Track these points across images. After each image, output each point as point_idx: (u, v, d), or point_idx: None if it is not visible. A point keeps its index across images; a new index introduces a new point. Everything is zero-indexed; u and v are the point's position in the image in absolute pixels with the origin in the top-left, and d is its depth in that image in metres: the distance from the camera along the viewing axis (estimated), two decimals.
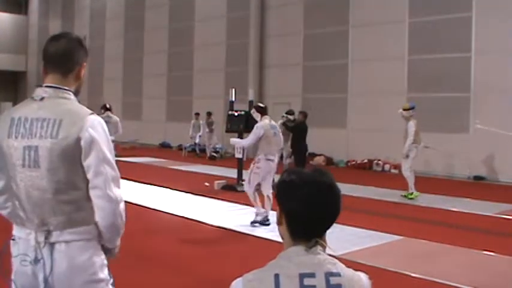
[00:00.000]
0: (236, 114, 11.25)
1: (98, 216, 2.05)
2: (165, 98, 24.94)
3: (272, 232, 6.54)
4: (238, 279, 1.48)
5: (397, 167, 15.40)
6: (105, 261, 2.15)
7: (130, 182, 11.40)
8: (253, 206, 7.49)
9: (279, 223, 1.56)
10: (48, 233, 2.02)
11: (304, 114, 12.36)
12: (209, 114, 19.24)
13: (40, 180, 2.00)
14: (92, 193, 2.03)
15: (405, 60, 15.77)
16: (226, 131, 11.37)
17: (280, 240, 1.60)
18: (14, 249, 2.10)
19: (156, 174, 13.54)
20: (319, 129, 16.96)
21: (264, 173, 7.34)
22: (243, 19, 20.52)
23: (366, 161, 16.23)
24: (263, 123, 7.41)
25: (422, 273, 5.25)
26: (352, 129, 17.08)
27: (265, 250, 5.78)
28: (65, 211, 2.02)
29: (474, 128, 13.73)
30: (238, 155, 10.50)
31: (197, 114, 19.83)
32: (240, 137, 11.25)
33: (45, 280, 2.01)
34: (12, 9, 37.99)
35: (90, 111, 2.08)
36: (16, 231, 2.12)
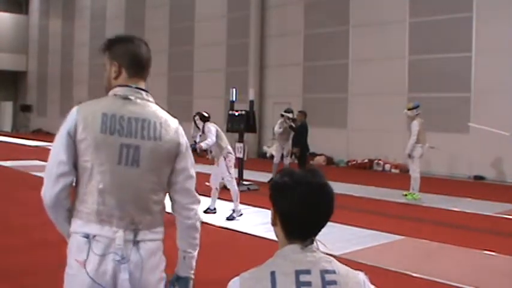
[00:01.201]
0: (237, 114, 11.25)
1: (184, 217, 2.19)
2: (165, 98, 24.93)
3: (272, 232, 6.54)
4: (235, 278, 1.50)
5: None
6: None
7: None
8: (232, 201, 8.08)
9: (273, 224, 1.57)
10: (136, 232, 2.03)
11: (304, 113, 12.38)
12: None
13: (138, 178, 2.03)
14: (180, 194, 2.16)
15: (405, 60, 15.77)
16: (227, 131, 11.37)
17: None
18: (98, 248, 1.98)
19: None
20: (320, 129, 16.95)
21: (232, 165, 8.21)
22: (243, 19, 20.52)
23: (366, 160, 16.24)
24: (213, 124, 8.31)
25: (423, 273, 5.25)
26: (353, 129, 17.08)
27: (265, 250, 5.77)
28: (153, 211, 2.08)
29: (467, 126, 13.75)
30: (239, 155, 10.50)
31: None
32: (241, 136, 11.28)
33: (132, 278, 2.00)
34: (12, 9, 38.01)
35: (175, 118, 2.20)
36: (92, 229, 2.00)
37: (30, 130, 36.30)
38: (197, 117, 8.50)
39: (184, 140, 2.14)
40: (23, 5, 38.89)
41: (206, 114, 8.57)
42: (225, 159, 8.02)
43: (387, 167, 15.78)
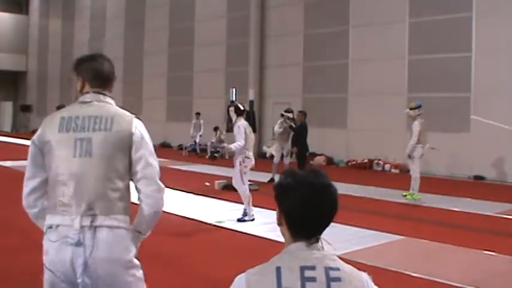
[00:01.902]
0: None
1: (146, 204, 2.28)
2: (165, 98, 24.94)
3: (273, 232, 6.54)
4: (241, 274, 1.53)
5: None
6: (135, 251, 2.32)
7: (131, 181, 11.39)
8: (242, 204, 7.76)
9: (279, 224, 1.61)
10: (93, 217, 2.16)
11: (304, 114, 12.35)
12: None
13: (91, 167, 2.19)
14: (142, 182, 2.27)
15: (405, 60, 15.77)
16: (227, 131, 11.38)
17: (281, 239, 1.62)
18: (52, 235, 2.18)
19: None
20: (319, 129, 16.95)
21: (247, 170, 7.77)
22: (243, 19, 20.52)
23: (366, 160, 16.24)
24: (243, 123, 7.73)
25: (422, 272, 5.25)
26: (352, 129, 17.08)
27: (266, 249, 5.78)
28: (110, 198, 2.20)
29: (471, 119, 13.75)
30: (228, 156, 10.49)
31: (198, 113, 19.86)
32: None
33: (85, 263, 2.12)
34: (12, 9, 38.01)
35: (133, 114, 2.38)
36: (55, 220, 2.20)
37: (30, 130, 36.29)
38: (232, 108, 7.94)
39: (138, 131, 2.28)
40: (23, 5, 38.89)
41: (242, 107, 8.04)
42: (240, 164, 7.63)
43: (387, 167, 15.78)
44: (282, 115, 12.42)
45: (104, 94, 2.37)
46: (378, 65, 16.25)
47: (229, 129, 11.11)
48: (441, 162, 14.67)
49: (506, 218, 8.59)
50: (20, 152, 19.23)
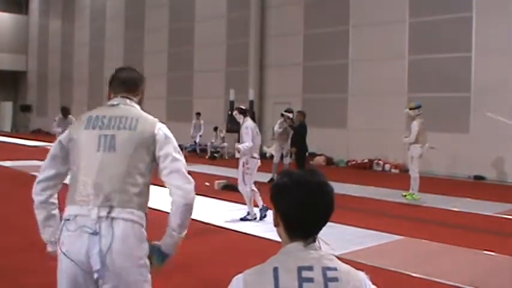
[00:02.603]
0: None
1: (177, 196, 2.36)
2: (165, 98, 24.94)
3: (273, 232, 6.54)
4: (238, 275, 1.52)
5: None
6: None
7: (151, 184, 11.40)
8: (242, 204, 7.76)
9: (276, 224, 1.60)
10: (110, 209, 2.22)
11: (303, 114, 12.27)
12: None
13: (113, 161, 2.29)
14: (171, 176, 2.37)
15: (405, 60, 15.78)
16: (227, 131, 11.38)
17: (279, 239, 1.62)
18: (70, 226, 2.22)
19: (156, 174, 13.51)
20: (319, 129, 16.95)
21: (252, 171, 7.71)
22: (243, 19, 20.52)
23: (366, 160, 16.24)
24: (250, 124, 7.72)
25: (422, 273, 5.25)
26: (352, 129, 17.08)
27: (266, 249, 5.77)
28: (129, 192, 2.27)
29: (467, 126, 13.77)
30: (238, 155, 10.49)
31: (198, 114, 19.86)
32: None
33: (100, 252, 2.16)
34: (12, 8, 38.00)
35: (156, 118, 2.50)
36: (73, 210, 2.25)
37: (30, 130, 36.30)
38: (236, 112, 7.97)
39: (162, 131, 2.39)
40: (23, 5, 38.88)
41: (244, 107, 8.09)
42: (244, 165, 7.63)
43: (387, 167, 15.78)
44: (282, 115, 12.42)
45: (129, 98, 2.51)
46: (378, 65, 16.25)
47: (229, 129, 11.11)
48: (441, 162, 14.67)
49: (506, 218, 8.59)
50: (19, 152, 19.26)
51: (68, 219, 2.24)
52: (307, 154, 12.30)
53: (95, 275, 2.19)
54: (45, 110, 36.17)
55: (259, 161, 7.84)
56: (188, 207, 2.39)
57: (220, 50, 21.81)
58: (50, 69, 35.88)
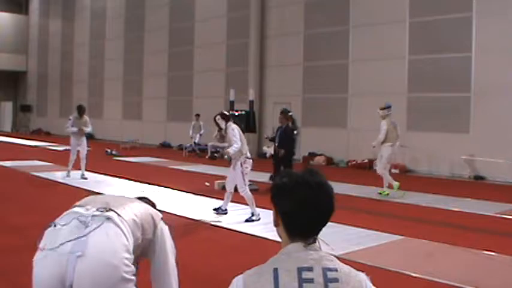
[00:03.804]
0: (236, 114, 11.24)
1: None
2: (165, 98, 24.94)
3: (272, 232, 6.54)
4: (239, 275, 1.52)
5: (397, 166, 15.43)
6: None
7: (131, 181, 11.44)
8: (242, 204, 7.81)
9: (276, 225, 1.60)
10: (108, 210, 2.25)
11: (286, 116, 11.20)
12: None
13: None
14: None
15: (405, 60, 15.77)
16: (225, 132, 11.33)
17: (280, 239, 1.61)
18: (60, 220, 2.25)
19: (156, 174, 13.54)
20: (319, 129, 16.98)
21: (248, 171, 7.88)
22: (243, 19, 20.52)
23: (366, 160, 16.23)
24: (235, 126, 7.92)
25: (422, 273, 5.24)
26: (352, 129, 17.08)
27: (266, 249, 5.78)
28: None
29: (467, 126, 13.75)
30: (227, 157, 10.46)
31: (197, 115, 19.93)
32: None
33: (85, 235, 2.12)
34: (12, 9, 38.01)
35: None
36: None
37: (30, 130, 36.30)
38: (218, 117, 8.06)
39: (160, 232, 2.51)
40: (23, 5, 38.89)
41: (227, 113, 8.28)
42: (241, 165, 7.71)
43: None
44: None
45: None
46: (378, 65, 16.25)
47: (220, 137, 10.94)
48: (441, 162, 14.68)
49: (506, 218, 8.58)
50: (20, 152, 19.27)
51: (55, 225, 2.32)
52: (291, 159, 11.08)
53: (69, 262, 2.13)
54: (45, 110, 36.18)
55: (251, 160, 7.97)
56: None
57: (220, 50, 21.81)
58: (50, 69, 35.88)
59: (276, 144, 10.93)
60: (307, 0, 18.63)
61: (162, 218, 2.48)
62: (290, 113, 12.22)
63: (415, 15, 15.54)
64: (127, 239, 2.21)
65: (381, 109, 10.93)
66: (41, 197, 9.56)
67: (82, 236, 2.11)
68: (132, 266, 2.24)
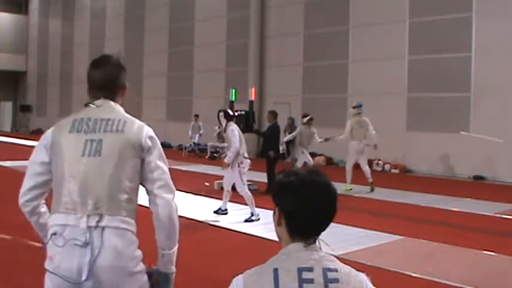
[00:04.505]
0: (236, 114, 11.23)
1: (159, 207, 2.25)
2: (165, 98, 24.95)
3: (272, 232, 6.54)
4: (239, 275, 1.52)
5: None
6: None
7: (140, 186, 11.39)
8: (242, 204, 7.82)
9: (278, 224, 1.58)
10: (100, 217, 2.10)
11: (274, 114, 11.20)
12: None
13: (99, 166, 2.15)
14: (155, 185, 2.24)
15: (405, 60, 15.77)
16: (224, 131, 11.34)
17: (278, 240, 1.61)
18: (58, 241, 2.08)
19: None
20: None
21: (246, 171, 7.95)
22: (243, 19, 20.52)
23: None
24: (236, 126, 7.98)
25: (422, 273, 5.24)
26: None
27: (266, 249, 5.78)
28: (118, 198, 2.15)
29: (467, 126, 13.79)
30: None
31: (196, 116, 19.97)
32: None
33: (90, 264, 2.03)
34: (12, 9, 38.01)
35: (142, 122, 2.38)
36: (60, 220, 2.12)
37: (30, 130, 36.30)
38: (222, 114, 8.13)
39: (149, 136, 2.28)
40: (22, 5, 38.89)
41: (231, 113, 8.33)
42: (239, 165, 7.75)
43: (387, 167, 15.77)
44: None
45: (114, 100, 2.38)
46: (378, 65, 16.25)
47: (220, 137, 11.03)
48: (441, 162, 14.68)
49: (506, 218, 8.59)
50: (19, 152, 19.24)
51: (55, 233, 2.09)
52: (277, 159, 10.90)
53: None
54: (44, 110, 36.17)
55: (248, 160, 8.02)
56: (169, 221, 2.28)
57: (220, 50, 21.81)
58: (49, 69, 35.88)
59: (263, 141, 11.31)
60: (307, 0, 18.62)
61: (145, 126, 2.31)
62: (309, 117, 12.01)
63: (415, 15, 15.53)
64: (132, 233, 2.18)
65: (352, 107, 11.50)
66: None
67: (90, 262, 2.04)
68: (141, 268, 2.21)
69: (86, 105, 2.36)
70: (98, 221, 2.08)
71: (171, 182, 2.29)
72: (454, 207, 9.40)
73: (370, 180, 11.01)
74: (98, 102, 2.34)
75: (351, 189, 10.98)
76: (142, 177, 2.25)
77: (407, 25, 15.72)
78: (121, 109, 2.37)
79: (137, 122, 2.32)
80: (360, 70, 16.84)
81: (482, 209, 9.20)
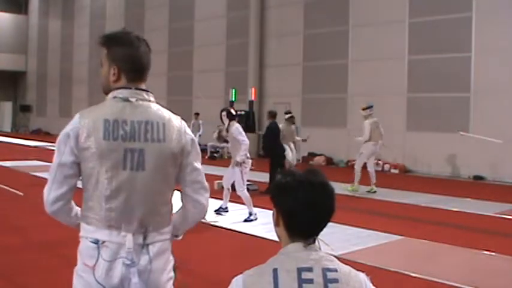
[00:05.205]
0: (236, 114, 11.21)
1: (194, 210, 2.19)
2: (165, 98, 24.94)
3: (272, 232, 6.54)
4: (238, 276, 1.52)
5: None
6: None
7: None
8: (241, 204, 7.81)
9: (276, 224, 1.59)
10: (145, 235, 2.02)
11: (273, 114, 11.18)
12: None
13: (144, 182, 2.01)
14: (192, 187, 2.17)
15: (405, 60, 15.78)
16: (227, 131, 11.33)
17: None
18: (106, 254, 1.97)
19: None
20: (319, 129, 16.96)
21: (247, 171, 7.88)
22: (243, 19, 20.53)
23: (366, 160, 16.20)
24: (239, 125, 7.93)
25: (422, 273, 5.24)
26: (353, 129, 17.06)
27: (266, 249, 5.78)
28: (162, 212, 2.08)
29: (467, 126, 13.80)
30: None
31: (197, 114, 19.95)
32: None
33: (140, 280, 1.98)
34: (12, 9, 38.01)
35: (178, 115, 2.20)
36: (102, 235, 1.99)
37: (30, 130, 36.30)
38: (224, 113, 8.08)
39: (188, 138, 2.12)
40: (22, 5, 38.89)
41: (234, 113, 8.25)
42: (241, 164, 7.69)
43: (387, 167, 15.78)
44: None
45: (146, 90, 2.10)
46: (378, 65, 16.25)
47: (220, 138, 11.02)
48: (441, 162, 14.68)
49: (506, 218, 8.59)
50: (19, 152, 19.27)
51: (103, 244, 1.98)
52: (278, 160, 10.66)
53: None
54: (44, 110, 36.18)
55: (250, 160, 7.99)
56: (197, 221, 2.28)
57: (220, 50, 21.81)
58: (49, 69, 35.88)
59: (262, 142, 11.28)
60: (307, 0, 18.63)
61: (181, 123, 2.13)
62: (290, 114, 12.18)
63: (415, 15, 15.54)
64: (170, 240, 2.15)
65: (363, 109, 11.11)
66: (41, 197, 9.55)
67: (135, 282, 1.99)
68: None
69: (115, 97, 2.06)
70: (144, 239, 2.01)
71: (206, 183, 2.24)
72: (454, 207, 9.40)
73: (374, 181, 10.98)
74: (129, 94, 2.05)
75: (357, 190, 10.87)
76: (178, 177, 2.14)
77: (407, 25, 15.72)
78: (152, 99, 2.12)
79: (175, 122, 2.10)
80: (360, 70, 16.84)
81: (482, 209, 9.21)
